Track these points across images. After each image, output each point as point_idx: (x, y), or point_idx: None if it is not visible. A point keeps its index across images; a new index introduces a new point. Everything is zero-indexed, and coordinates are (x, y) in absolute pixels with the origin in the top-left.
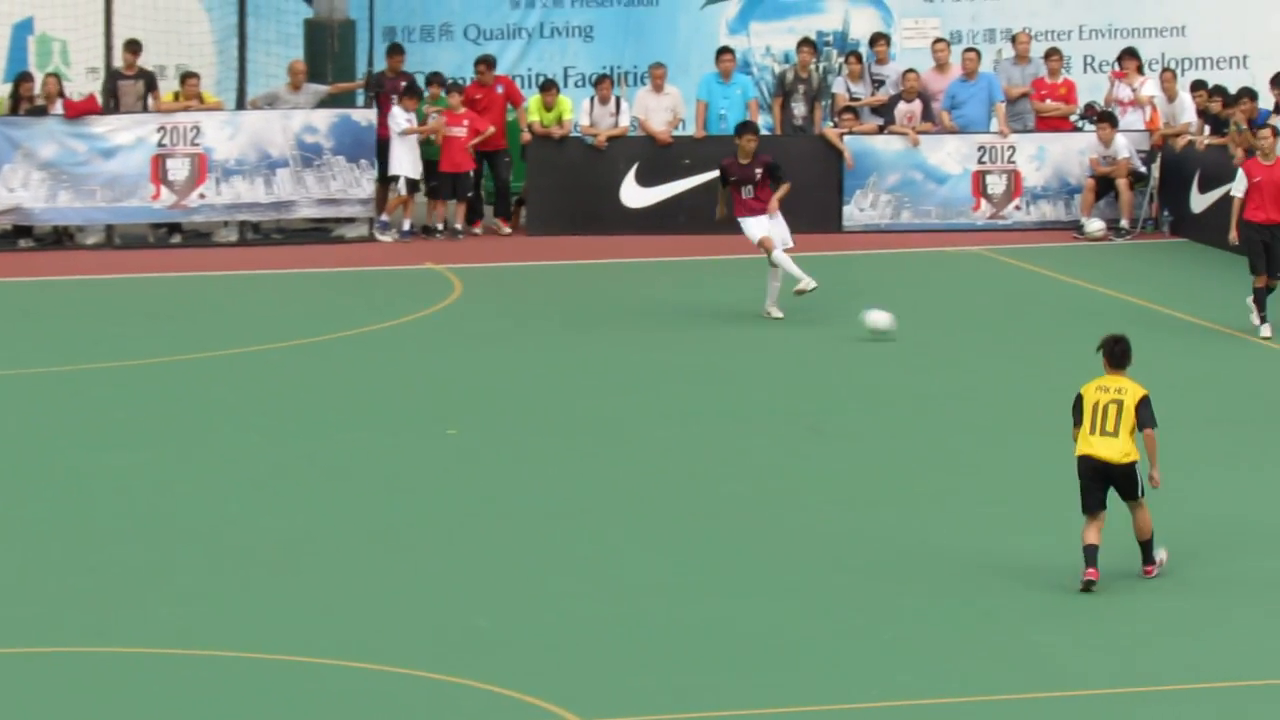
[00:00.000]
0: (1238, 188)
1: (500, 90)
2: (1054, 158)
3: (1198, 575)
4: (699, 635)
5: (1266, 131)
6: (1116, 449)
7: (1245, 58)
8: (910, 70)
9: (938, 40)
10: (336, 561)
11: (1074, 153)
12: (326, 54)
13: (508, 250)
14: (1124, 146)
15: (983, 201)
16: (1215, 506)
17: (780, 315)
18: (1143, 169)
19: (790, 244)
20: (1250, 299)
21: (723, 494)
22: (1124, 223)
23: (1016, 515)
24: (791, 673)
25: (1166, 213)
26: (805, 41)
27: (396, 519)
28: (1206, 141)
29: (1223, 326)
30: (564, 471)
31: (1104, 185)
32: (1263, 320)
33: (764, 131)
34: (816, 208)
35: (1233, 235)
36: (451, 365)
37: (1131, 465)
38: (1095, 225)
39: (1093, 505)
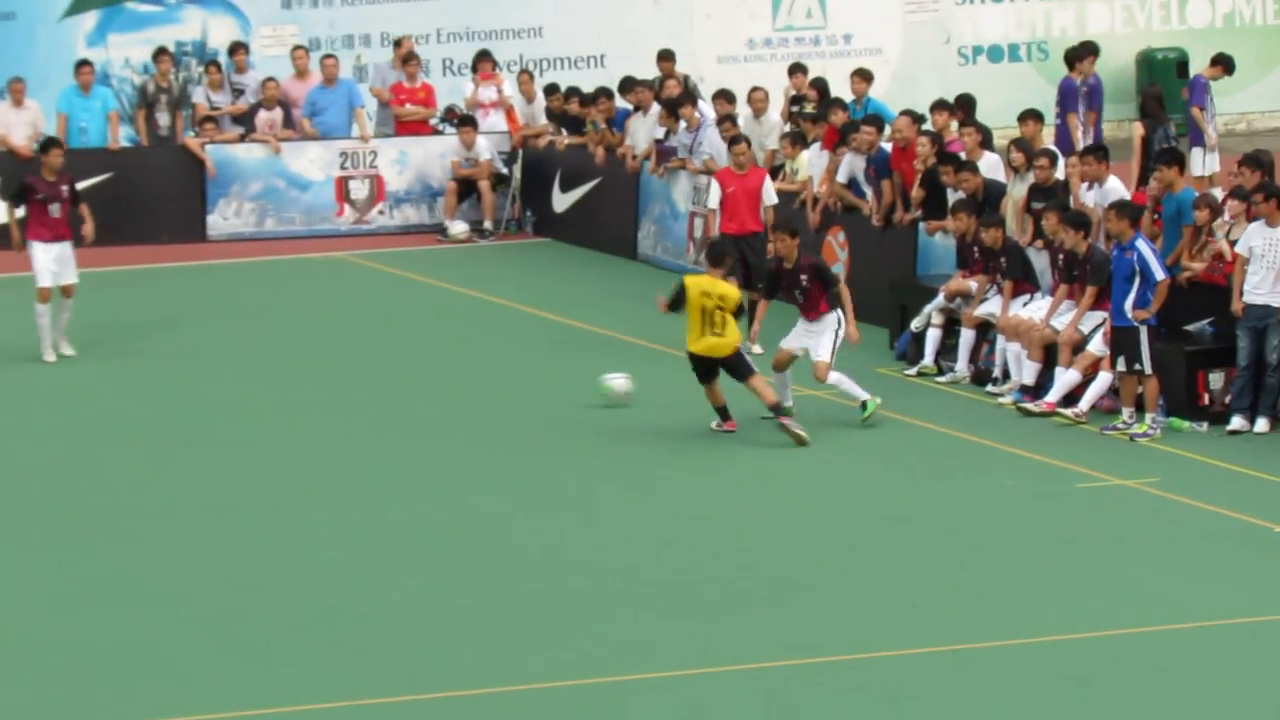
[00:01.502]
0: (712, 199)
1: None
2: (416, 161)
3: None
4: (71, 648)
5: (742, 146)
6: (726, 345)
7: (603, 57)
8: (270, 78)
9: (297, 47)
10: None
11: (435, 156)
12: None
13: None
14: (485, 148)
15: (346, 207)
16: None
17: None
18: (504, 170)
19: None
20: None
21: (89, 508)
22: (488, 224)
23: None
24: (168, 683)
25: (529, 213)
26: (162, 50)
27: None
28: (566, 141)
29: (587, 324)
30: None
31: (466, 187)
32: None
33: (125, 143)
34: (180, 217)
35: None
36: None
37: (737, 352)
38: (459, 228)
39: (708, 379)
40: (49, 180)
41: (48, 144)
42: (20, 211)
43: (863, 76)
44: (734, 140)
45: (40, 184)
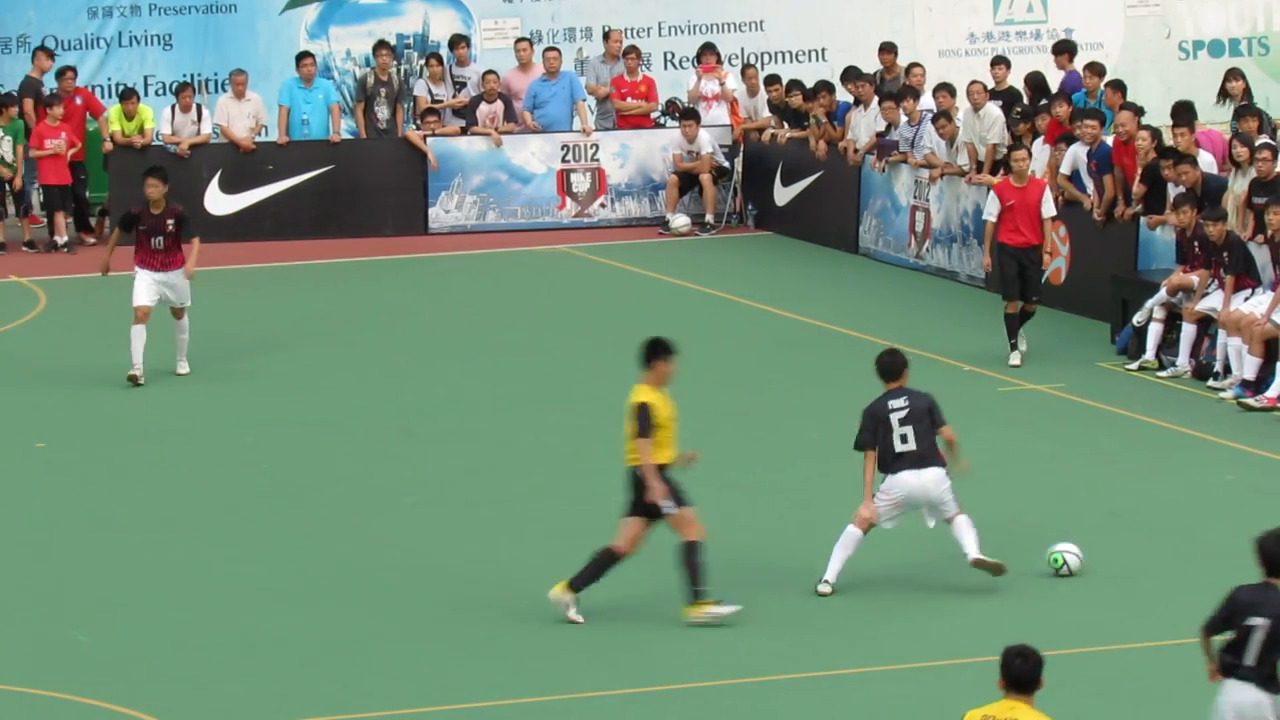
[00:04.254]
0: (990, 211)
1: (79, 101)
2: (637, 155)
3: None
4: (295, 641)
5: (1021, 153)
6: None
7: (824, 50)
8: (490, 71)
9: (519, 40)
10: None
11: (657, 149)
12: None
13: (92, 261)
14: (707, 142)
15: (568, 200)
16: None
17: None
18: (726, 164)
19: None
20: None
21: (312, 499)
22: (709, 217)
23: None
24: (388, 677)
25: (751, 206)
26: (382, 44)
27: None
28: (788, 135)
29: (809, 318)
30: (154, 483)
31: (688, 181)
32: (1013, 348)
33: (347, 135)
34: (401, 210)
35: (985, 260)
36: (35, 378)
37: None
38: (681, 221)
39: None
40: (153, 213)
41: (147, 173)
42: (116, 235)
43: (1094, 71)
44: (1013, 147)
45: (145, 216)
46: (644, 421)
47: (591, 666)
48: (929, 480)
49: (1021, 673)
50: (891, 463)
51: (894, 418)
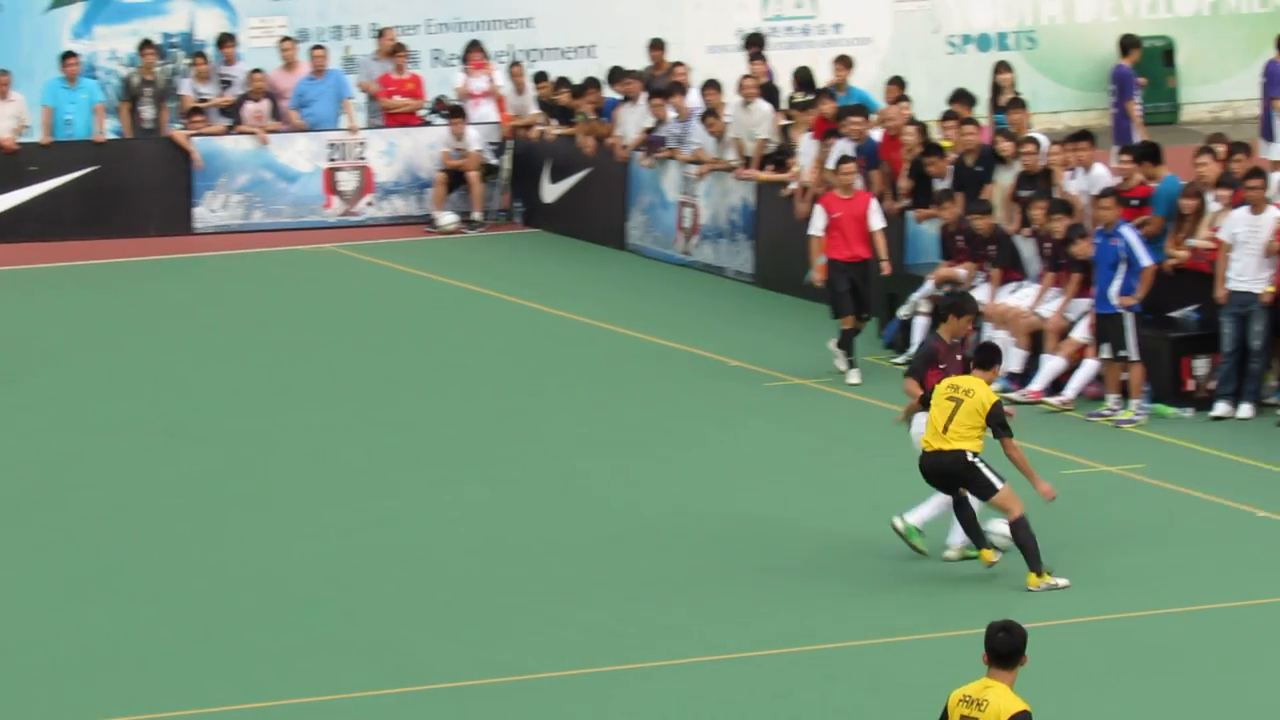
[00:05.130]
0: (816, 225)
1: None
2: (404, 152)
3: None
4: (54, 644)
5: (849, 165)
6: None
7: (592, 47)
8: (256, 70)
9: (285, 39)
10: None
11: (424, 147)
12: None
13: None
14: (475, 139)
15: (335, 199)
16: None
17: None
18: (494, 161)
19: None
20: (834, 343)
21: (75, 502)
22: (476, 215)
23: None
24: (154, 677)
25: (519, 203)
26: (147, 44)
27: None
28: (556, 132)
29: (577, 315)
30: None
31: (455, 178)
32: (850, 365)
33: (111, 135)
34: (167, 210)
35: (816, 276)
36: None
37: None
38: (448, 218)
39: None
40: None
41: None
42: None
43: (844, 64)
44: (843, 159)
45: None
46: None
47: (355, 665)
48: None
49: (1004, 646)
50: None
51: None
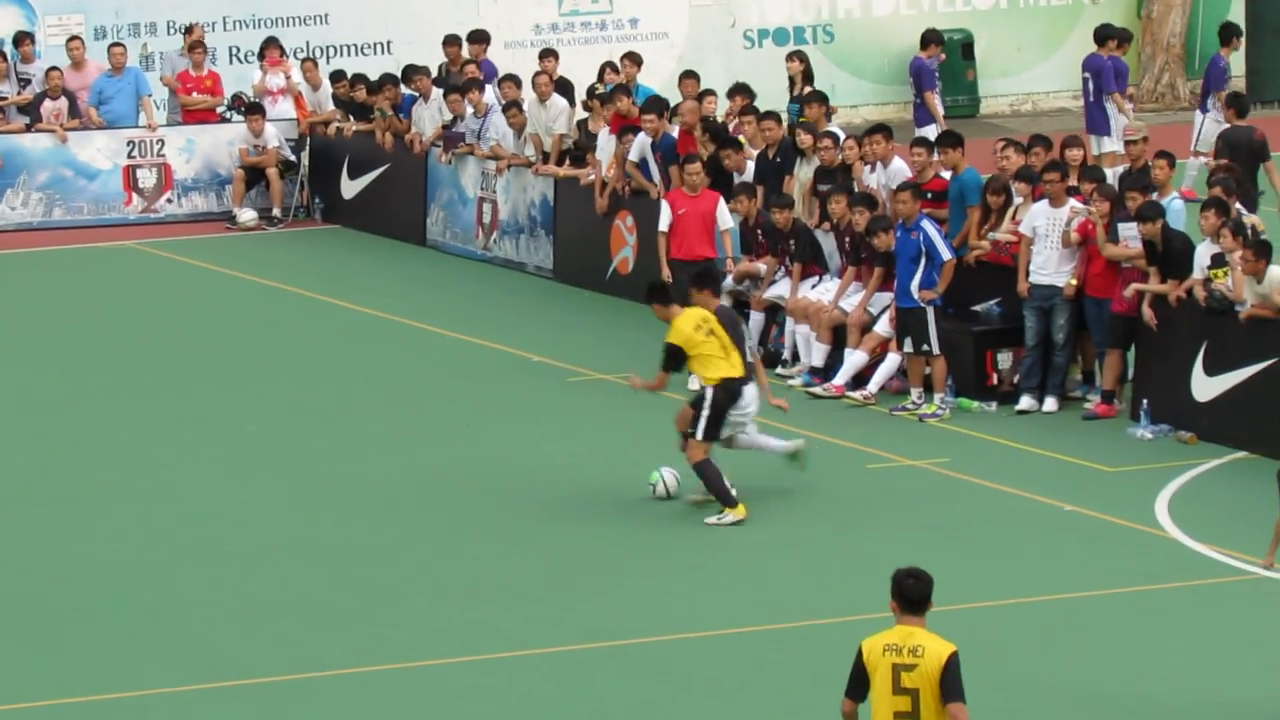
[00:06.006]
0: (662, 221)
1: None
2: (203, 149)
3: None
4: None
5: (696, 165)
6: None
7: (389, 43)
8: (54, 68)
9: (72, 38)
10: None
11: (223, 143)
12: None
13: None
14: (273, 136)
15: (134, 196)
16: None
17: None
18: (292, 157)
19: None
20: None
21: None
22: (276, 211)
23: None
24: None
25: (318, 200)
26: None
27: None
28: (354, 129)
29: (377, 310)
30: None
31: (254, 175)
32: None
33: None
34: None
35: (665, 273)
36: None
37: None
38: (248, 215)
39: None
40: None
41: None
42: None
43: (633, 60)
44: (688, 159)
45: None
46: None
47: (164, 661)
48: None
49: (915, 593)
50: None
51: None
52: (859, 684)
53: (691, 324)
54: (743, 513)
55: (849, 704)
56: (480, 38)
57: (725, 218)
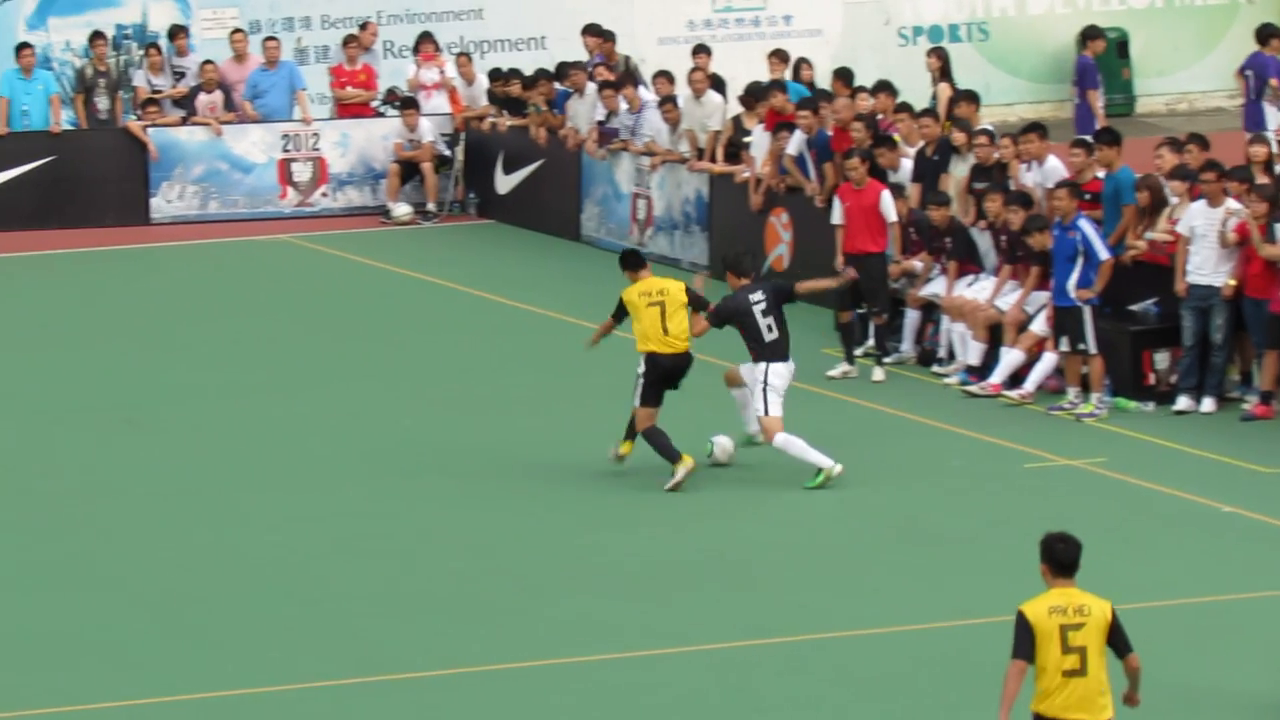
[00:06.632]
0: (836, 215)
1: None
2: (358, 143)
3: None
4: (24, 632)
5: (855, 161)
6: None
7: (543, 38)
8: (209, 61)
9: (235, 30)
10: None
11: (378, 138)
12: None
13: None
14: (428, 130)
15: (289, 189)
16: None
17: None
18: (446, 152)
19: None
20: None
21: (37, 491)
22: (431, 206)
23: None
24: (121, 667)
25: (472, 195)
26: (98, 35)
27: None
28: (508, 123)
29: (531, 306)
30: None
31: (409, 169)
32: (848, 360)
33: (67, 126)
34: (123, 200)
35: (839, 263)
36: None
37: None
38: (402, 209)
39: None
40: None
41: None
42: None
43: (780, 58)
44: (847, 154)
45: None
46: None
47: (319, 655)
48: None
49: (1065, 556)
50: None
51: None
52: (1029, 646)
53: (638, 290)
54: (689, 463)
55: (1020, 664)
56: (595, 31)
57: (890, 210)
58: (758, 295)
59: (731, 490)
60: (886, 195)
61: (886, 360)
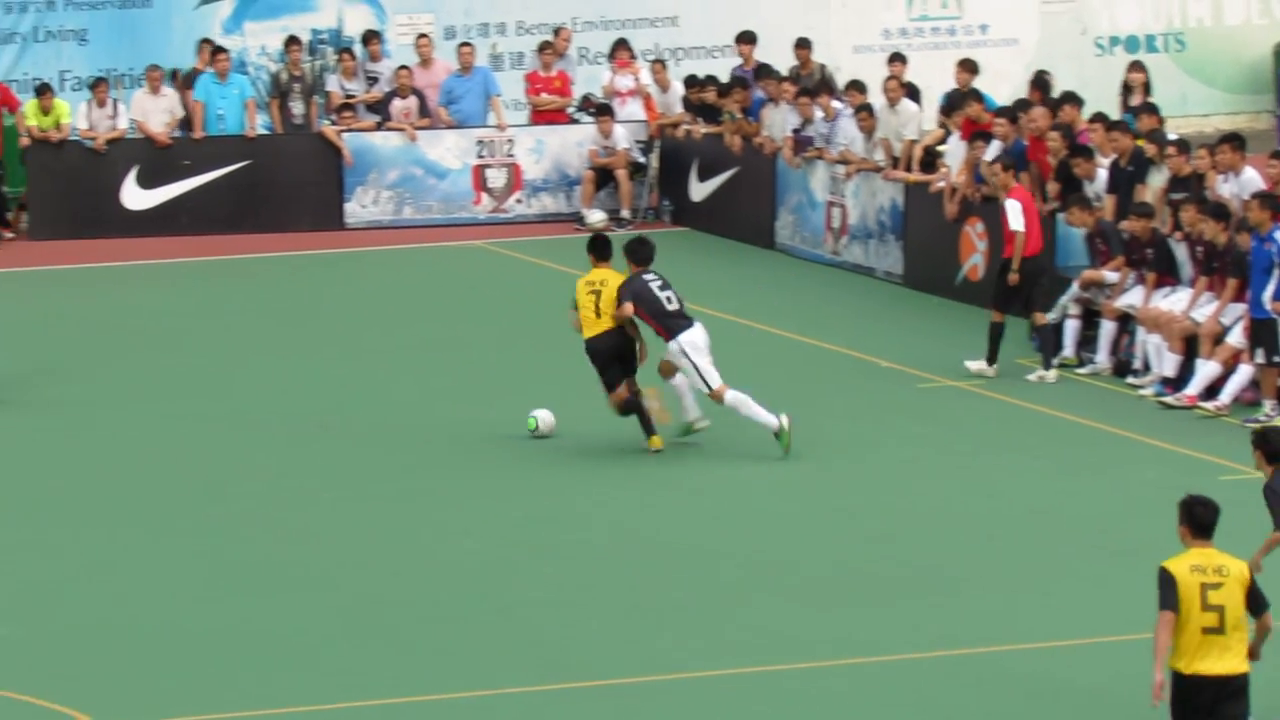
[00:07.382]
0: (1015, 220)
1: None
2: (552, 150)
3: None
4: (220, 635)
5: (997, 166)
6: None
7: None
8: (403, 67)
9: (421, 35)
10: None
11: (572, 145)
12: None
13: (9, 256)
14: (622, 137)
15: (484, 195)
16: None
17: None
18: (641, 159)
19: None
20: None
21: (232, 495)
22: (625, 213)
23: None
24: (311, 671)
25: (667, 202)
26: (293, 40)
27: None
28: (703, 131)
29: (725, 314)
30: (77, 476)
31: (603, 176)
32: (990, 363)
33: (262, 131)
34: (318, 205)
35: (1014, 277)
36: None
37: None
38: (596, 216)
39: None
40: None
41: None
42: None
43: (967, 68)
44: (993, 160)
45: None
46: None
47: (511, 661)
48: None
49: (1204, 518)
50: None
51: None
52: (1175, 597)
53: (584, 280)
54: (658, 444)
55: (1169, 615)
56: (749, 39)
57: (1015, 219)
58: (652, 276)
59: (919, 501)
60: (1010, 204)
61: (1080, 370)
